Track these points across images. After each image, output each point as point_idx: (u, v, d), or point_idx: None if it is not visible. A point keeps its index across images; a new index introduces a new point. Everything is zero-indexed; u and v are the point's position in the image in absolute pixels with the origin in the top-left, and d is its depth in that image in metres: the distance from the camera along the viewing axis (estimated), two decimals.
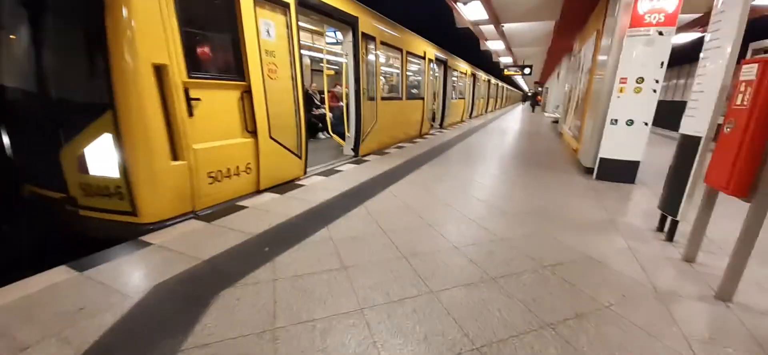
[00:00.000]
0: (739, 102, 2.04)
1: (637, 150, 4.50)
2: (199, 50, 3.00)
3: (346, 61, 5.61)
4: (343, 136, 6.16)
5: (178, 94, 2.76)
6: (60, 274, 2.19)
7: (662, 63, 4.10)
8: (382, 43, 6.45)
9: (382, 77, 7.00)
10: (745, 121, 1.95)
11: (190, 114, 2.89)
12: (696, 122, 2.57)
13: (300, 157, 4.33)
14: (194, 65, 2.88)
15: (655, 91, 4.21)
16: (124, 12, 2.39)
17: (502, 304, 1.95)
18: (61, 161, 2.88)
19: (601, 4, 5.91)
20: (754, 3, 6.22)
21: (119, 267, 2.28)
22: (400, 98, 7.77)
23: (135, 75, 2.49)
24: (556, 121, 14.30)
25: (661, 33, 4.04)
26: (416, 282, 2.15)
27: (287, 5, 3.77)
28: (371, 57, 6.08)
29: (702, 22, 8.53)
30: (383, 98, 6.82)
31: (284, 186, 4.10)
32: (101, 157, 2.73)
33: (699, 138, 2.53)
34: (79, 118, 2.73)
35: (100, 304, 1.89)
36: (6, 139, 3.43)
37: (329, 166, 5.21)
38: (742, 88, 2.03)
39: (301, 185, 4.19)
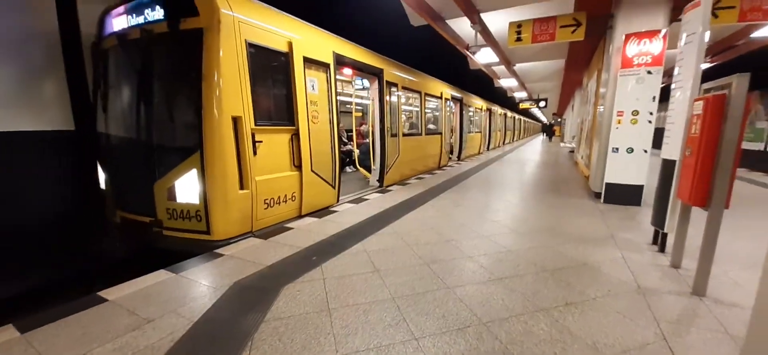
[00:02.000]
0: (693, 132, 2.55)
1: (640, 175, 4.89)
2: (263, 104, 3.83)
3: (372, 104, 6.43)
4: (369, 169, 6.87)
5: (247, 139, 3.56)
6: (161, 275, 2.88)
7: (654, 97, 4.60)
8: (403, 87, 7.29)
9: (403, 115, 7.80)
10: (697, 146, 2.45)
11: (254, 153, 3.67)
12: (671, 148, 3.05)
13: (334, 188, 5.03)
14: (259, 115, 3.71)
15: (650, 122, 4.67)
16: (216, 77, 3.25)
17: (505, 295, 2.44)
18: (154, 191, 3.68)
19: (601, 46, 6.53)
20: (753, 36, 6.66)
21: (205, 270, 2.95)
22: (420, 134, 8.50)
23: (219, 125, 3.31)
24: (572, 151, 14.54)
25: (650, 72, 4.57)
26: (436, 281, 2.68)
27: (328, 65, 4.66)
28: (393, 99, 6.90)
29: (708, 53, 8.94)
30: (404, 134, 7.56)
31: (320, 212, 4.77)
32: (187, 188, 3.50)
33: (674, 161, 3.00)
34: (172, 158, 3.54)
35: (197, 293, 2.54)
36: (102, 176, 4.36)
37: (358, 195, 5.87)
38: (695, 121, 2.54)
39: (335, 211, 4.85)
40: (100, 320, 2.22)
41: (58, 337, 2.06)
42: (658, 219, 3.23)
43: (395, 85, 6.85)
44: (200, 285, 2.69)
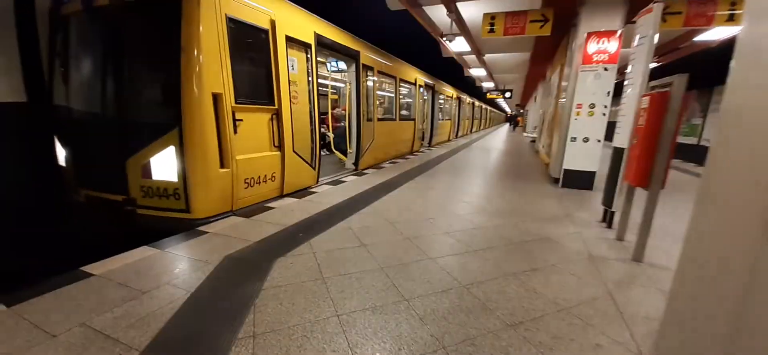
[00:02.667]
0: (640, 123, 2.96)
1: (594, 162, 5.46)
2: (244, 82, 3.78)
3: (349, 87, 6.48)
4: (344, 153, 6.96)
5: (228, 116, 3.53)
6: (146, 251, 2.86)
7: (608, 92, 5.13)
8: (379, 71, 7.39)
9: (377, 100, 7.91)
10: (642, 135, 2.86)
11: (235, 132, 3.65)
12: (621, 138, 3.50)
13: (314, 169, 5.10)
14: (240, 93, 3.66)
15: (604, 114, 5.21)
16: (195, 52, 3.18)
17: (480, 263, 2.75)
18: (126, 168, 3.55)
19: (563, 43, 7.05)
20: (695, 39, 7.48)
21: (190, 246, 2.97)
22: (394, 119, 8.69)
23: (200, 101, 3.25)
24: (533, 141, 15.52)
25: (606, 69, 5.08)
26: (419, 253, 2.92)
27: (309, 45, 4.66)
28: (369, 84, 6.99)
29: (655, 54, 9.91)
30: (379, 119, 7.70)
31: (301, 192, 4.84)
32: (165, 165, 3.42)
33: (623, 149, 3.45)
34: (148, 134, 3.43)
35: (188, 267, 2.58)
36: (61, 152, 4.09)
37: (335, 178, 5.97)
38: (642, 114, 2.95)
39: (315, 192, 4.94)
40: (92, 293, 2.21)
41: (50, 309, 2.04)
42: (607, 199, 3.70)
43: (371, 69, 6.93)
44: (189, 260, 2.72)
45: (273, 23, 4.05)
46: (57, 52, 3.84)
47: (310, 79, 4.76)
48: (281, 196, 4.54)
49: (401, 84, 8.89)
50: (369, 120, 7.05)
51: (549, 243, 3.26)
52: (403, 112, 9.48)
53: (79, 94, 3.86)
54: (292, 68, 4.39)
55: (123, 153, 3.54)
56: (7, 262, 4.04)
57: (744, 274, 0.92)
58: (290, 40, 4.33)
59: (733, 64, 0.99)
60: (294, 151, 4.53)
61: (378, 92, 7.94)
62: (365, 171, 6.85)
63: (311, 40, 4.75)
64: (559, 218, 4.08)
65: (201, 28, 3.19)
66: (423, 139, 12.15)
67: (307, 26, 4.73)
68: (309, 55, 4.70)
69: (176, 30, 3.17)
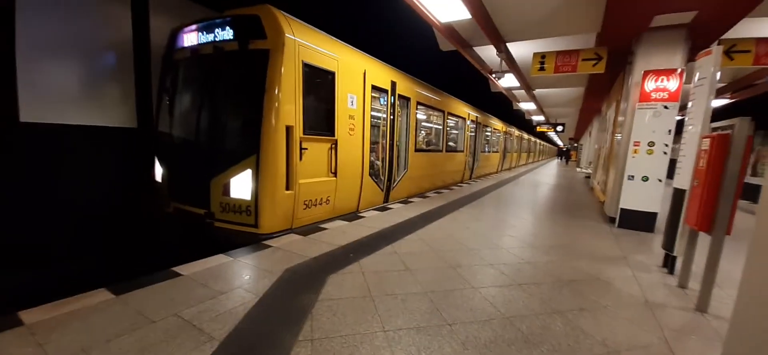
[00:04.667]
0: (700, 165, 2.86)
1: (654, 202, 5.13)
2: (310, 115, 4.30)
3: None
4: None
5: (296, 145, 4.03)
6: (222, 258, 3.32)
7: (669, 130, 4.88)
8: (418, 102, 7.35)
9: (423, 132, 8.18)
10: (704, 178, 2.76)
11: (301, 158, 4.13)
12: (682, 179, 3.35)
13: (359, 195, 5.45)
14: (307, 124, 4.18)
15: (665, 153, 4.94)
16: (276, 91, 3.75)
17: (525, 297, 2.77)
18: (210, 186, 4.16)
19: (620, 77, 6.84)
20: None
21: (257, 257, 3.38)
22: (440, 150, 8.88)
23: (275, 133, 3.79)
24: (588, 176, 14.61)
25: (666, 107, 4.87)
26: (462, 281, 3.03)
27: (364, 83, 5.16)
28: (420, 115, 7.27)
29: (728, 89, 9.11)
30: (423, 150, 7.93)
31: (349, 216, 5.18)
32: (242, 185, 3.96)
33: (684, 190, 3.29)
34: (231, 158, 4.02)
35: (256, 275, 2.96)
36: (158, 170, 4.89)
37: (382, 205, 6.26)
38: (702, 156, 2.86)
39: (363, 216, 5.25)
40: (181, 290, 2.65)
41: (149, 300, 2.49)
42: (668, 243, 3.49)
43: (408, 99, 6.93)
44: (257, 269, 3.11)
45: (337, 64, 4.61)
46: (166, 88, 4.71)
47: (364, 113, 5.22)
48: (332, 218, 4.92)
49: (443, 115, 9.05)
50: (418, 151, 7.29)
51: (601, 284, 3.16)
52: (450, 143, 9.64)
53: (179, 123, 4.67)
54: (351, 104, 4.89)
55: (209, 173, 4.17)
56: (113, 259, 4.86)
57: None
58: (349, 79, 4.85)
59: None
60: (345, 178, 4.93)
61: (424, 123, 8.22)
62: (411, 199, 7.05)
63: (363, 78, 5.24)
64: (613, 259, 3.90)
65: (282, 71, 3.78)
66: (471, 171, 12.11)
67: (361, 66, 5.24)
68: (365, 92, 5.19)
69: (263, 74, 3.78)
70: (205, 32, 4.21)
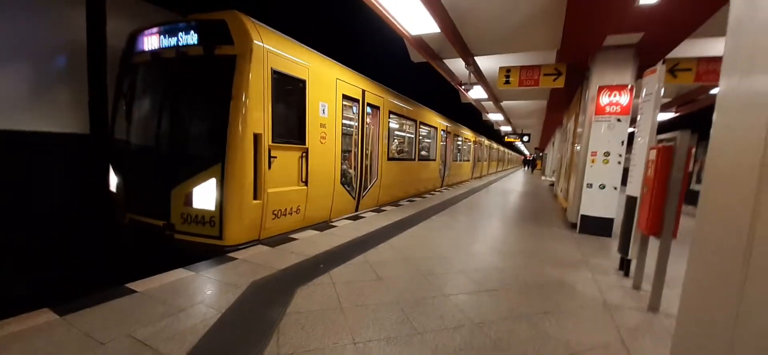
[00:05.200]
0: (649, 174, 3.09)
1: (611, 209, 5.47)
2: (280, 122, 4.21)
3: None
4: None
5: (264, 154, 3.91)
6: (181, 273, 3.13)
7: (623, 142, 5.25)
8: (391, 112, 7.40)
9: (395, 140, 8.27)
10: (651, 186, 2.98)
11: (269, 167, 4.01)
12: (633, 187, 3.60)
13: (331, 204, 5.37)
14: (276, 133, 4.08)
15: (619, 162, 5.30)
16: (243, 98, 3.63)
17: (493, 303, 2.83)
18: (170, 197, 3.93)
19: (578, 92, 7.30)
20: (712, 92, 7.56)
21: (221, 271, 3.22)
22: (413, 159, 8.99)
23: (242, 140, 3.66)
24: (552, 184, 15.37)
25: (619, 120, 5.24)
26: (433, 290, 3.05)
27: (334, 90, 5.14)
28: (393, 124, 7.34)
29: (673, 104, 9.99)
30: (398, 159, 8.01)
31: (320, 225, 5.08)
32: (205, 195, 3.78)
33: (635, 197, 3.53)
34: (193, 167, 3.83)
35: (219, 289, 2.82)
36: (113, 179, 4.57)
37: (354, 213, 6.21)
38: (650, 165, 3.09)
39: (334, 225, 5.18)
40: (137, 307, 2.47)
41: (98, 320, 2.30)
42: (623, 247, 3.72)
43: (376, 108, 6.92)
44: (220, 283, 2.96)
45: (307, 72, 4.56)
46: (123, 93, 4.42)
47: (335, 122, 5.18)
48: (302, 228, 4.80)
49: (416, 124, 9.17)
50: (390, 160, 7.35)
51: (563, 287, 3.29)
52: (422, 152, 9.79)
53: (137, 129, 4.39)
54: (323, 112, 4.84)
55: (170, 182, 3.94)
56: (59, 275, 4.43)
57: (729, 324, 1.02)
58: (319, 87, 4.81)
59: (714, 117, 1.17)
60: (316, 186, 4.85)
61: (396, 132, 8.31)
62: (384, 208, 7.06)
63: (335, 86, 5.23)
64: (575, 263, 4.10)
65: (250, 78, 3.67)
66: (442, 179, 12.32)
67: (332, 74, 5.22)
68: (337, 101, 5.16)
69: (229, 80, 3.66)
70: (167, 36, 4.02)
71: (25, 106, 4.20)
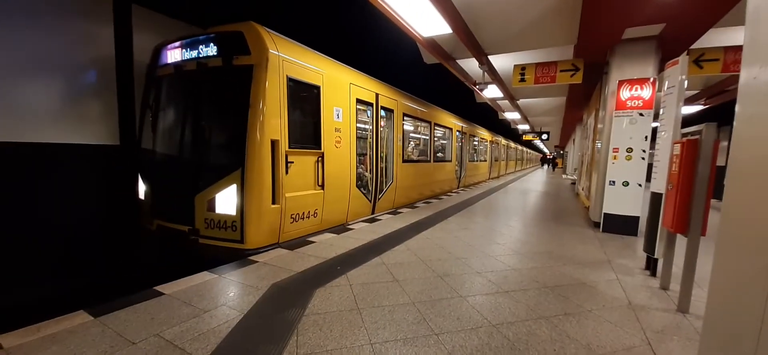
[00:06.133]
0: (674, 169, 2.97)
1: (636, 206, 5.27)
2: (296, 128, 4.31)
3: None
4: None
5: (282, 159, 4.02)
6: (206, 276, 3.25)
7: (646, 137, 5.06)
8: (405, 114, 7.41)
9: (411, 143, 8.26)
10: (677, 181, 2.86)
11: (287, 172, 4.12)
12: (658, 183, 3.46)
13: (347, 208, 5.43)
14: (292, 138, 4.18)
15: (643, 158, 5.11)
16: (261, 105, 3.75)
17: (511, 304, 2.79)
18: (194, 203, 4.09)
19: (597, 87, 7.09)
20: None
21: (243, 273, 3.33)
22: (428, 161, 8.96)
23: (261, 147, 3.78)
24: (573, 183, 14.92)
25: (641, 114, 5.06)
26: (450, 291, 3.04)
27: (349, 95, 5.21)
28: (407, 126, 7.36)
29: (702, 96, 9.52)
30: (413, 161, 8.00)
31: (337, 228, 5.15)
32: (227, 200, 3.92)
33: (661, 194, 3.40)
34: (215, 174, 3.98)
35: (241, 291, 2.91)
36: (142, 187, 4.80)
37: (370, 216, 6.25)
38: (675, 160, 2.97)
39: (351, 228, 5.23)
40: (164, 309, 2.59)
41: (129, 321, 2.42)
42: (649, 245, 3.59)
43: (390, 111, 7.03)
44: (242, 285, 3.06)
45: (322, 79, 4.65)
46: (149, 105, 4.66)
47: (350, 127, 5.26)
48: (320, 231, 4.88)
49: (430, 126, 9.15)
50: (405, 162, 7.36)
51: (585, 288, 3.21)
52: (438, 153, 9.75)
53: (162, 139, 4.60)
54: (337, 117, 4.92)
55: (193, 189, 4.11)
56: (93, 279, 4.70)
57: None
58: (334, 93, 4.90)
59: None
60: (333, 190, 4.92)
61: (411, 134, 8.31)
62: (400, 210, 7.07)
63: (349, 91, 5.30)
64: (597, 263, 3.97)
65: (267, 86, 3.79)
66: (459, 180, 12.21)
67: (346, 79, 5.30)
68: (351, 105, 5.23)
69: (247, 89, 3.79)
70: (188, 49, 4.21)
71: (58, 120, 4.48)
